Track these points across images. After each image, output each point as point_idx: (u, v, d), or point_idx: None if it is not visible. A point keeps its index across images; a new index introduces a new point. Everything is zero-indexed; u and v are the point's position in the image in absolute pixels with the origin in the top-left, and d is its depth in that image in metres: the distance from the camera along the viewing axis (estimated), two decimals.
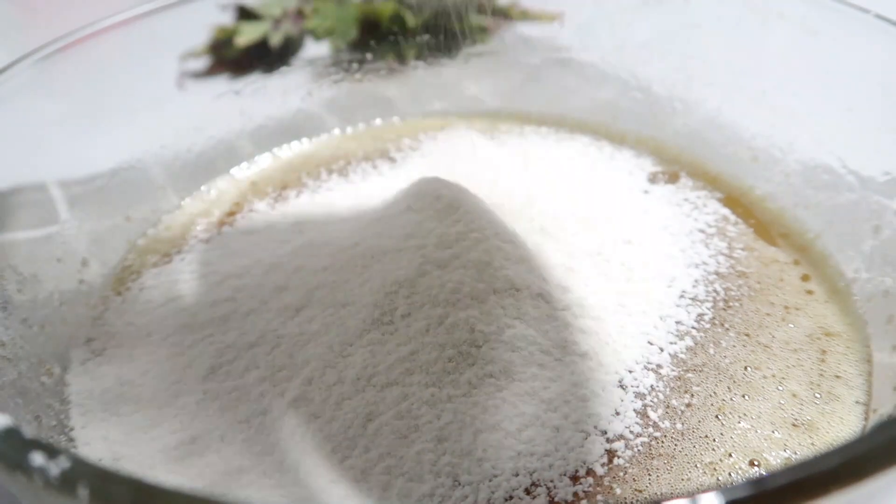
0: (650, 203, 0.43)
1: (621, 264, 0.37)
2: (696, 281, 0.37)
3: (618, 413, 0.30)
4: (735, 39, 0.46)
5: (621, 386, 0.31)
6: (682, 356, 0.33)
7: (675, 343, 0.34)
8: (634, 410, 0.30)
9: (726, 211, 0.42)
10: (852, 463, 0.17)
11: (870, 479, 0.17)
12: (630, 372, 0.32)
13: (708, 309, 0.36)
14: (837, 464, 0.17)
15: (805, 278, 0.38)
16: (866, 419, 0.30)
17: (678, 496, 0.16)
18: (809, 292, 0.37)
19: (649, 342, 0.33)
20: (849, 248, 0.38)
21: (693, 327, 0.35)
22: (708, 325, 0.35)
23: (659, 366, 0.33)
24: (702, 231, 0.41)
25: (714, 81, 0.47)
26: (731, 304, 0.36)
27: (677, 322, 0.35)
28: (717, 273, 0.38)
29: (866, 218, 0.37)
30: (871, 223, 0.37)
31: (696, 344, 0.34)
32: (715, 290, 0.37)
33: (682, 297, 0.36)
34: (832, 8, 0.40)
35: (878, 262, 0.36)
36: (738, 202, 0.43)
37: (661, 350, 0.33)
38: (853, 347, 0.34)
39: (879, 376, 0.32)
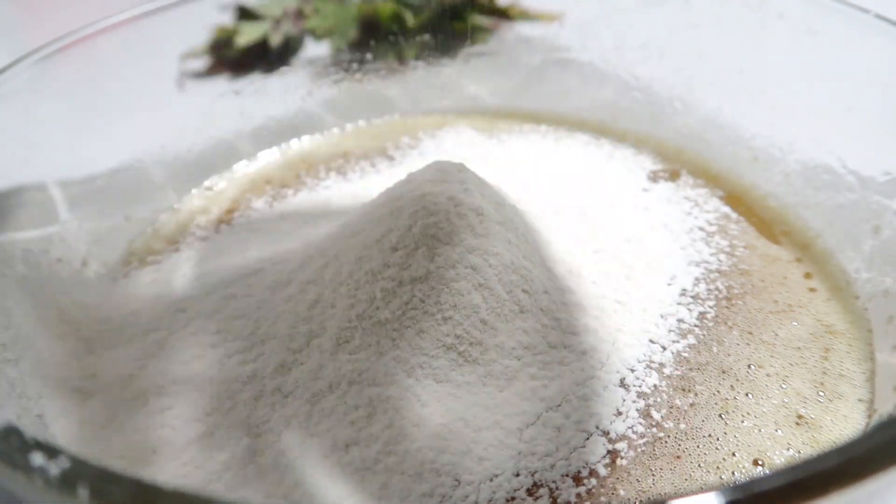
0: (650, 201, 0.43)
1: (621, 262, 0.37)
2: (696, 279, 0.37)
3: (620, 413, 0.30)
4: (735, 39, 0.46)
5: (623, 385, 0.31)
6: (685, 355, 0.33)
7: (678, 342, 0.34)
8: (637, 410, 0.30)
9: (727, 209, 0.42)
10: (853, 463, 0.17)
11: (870, 479, 0.17)
12: (632, 371, 0.32)
13: (710, 307, 0.35)
14: (838, 464, 0.17)
15: (807, 276, 0.38)
16: (869, 417, 0.30)
17: (681, 496, 0.16)
18: (812, 290, 0.37)
19: (651, 340, 0.33)
20: (849, 247, 0.38)
21: (695, 325, 0.34)
22: (710, 324, 0.35)
23: (662, 364, 0.32)
24: (702, 229, 0.41)
25: (714, 81, 0.47)
26: (733, 301, 0.36)
27: (679, 320, 0.35)
28: (718, 271, 0.38)
29: (866, 218, 0.37)
30: (871, 223, 0.37)
31: (698, 342, 0.34)
32: (717, 288, 0.37)
33: (682, 294, 0.36)
34: (832, 8, 0.40)
35: (879, 262, 0.36)
36: (739, 200, 0.43)
37: (664, 349, 0.33)
38: (856, 345, 0.33)
39: (881, 376, 0.32)
